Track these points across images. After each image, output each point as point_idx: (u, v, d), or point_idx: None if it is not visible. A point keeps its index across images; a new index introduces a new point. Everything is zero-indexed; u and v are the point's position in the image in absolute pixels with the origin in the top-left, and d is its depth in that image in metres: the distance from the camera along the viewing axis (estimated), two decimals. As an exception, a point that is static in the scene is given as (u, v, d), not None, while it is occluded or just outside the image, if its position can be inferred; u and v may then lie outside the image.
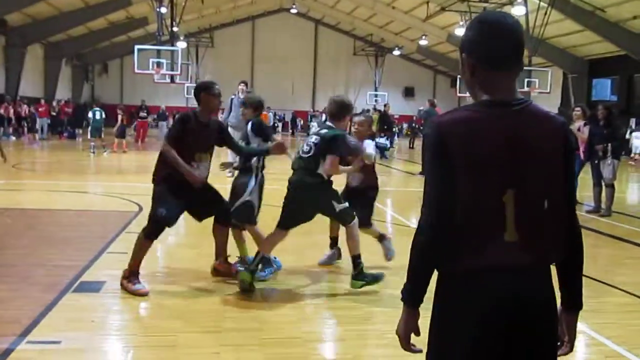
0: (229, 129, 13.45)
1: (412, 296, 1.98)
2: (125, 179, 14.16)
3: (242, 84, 14.01)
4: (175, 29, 28.70)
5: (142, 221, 8.37)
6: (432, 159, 1.92)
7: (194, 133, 5.43)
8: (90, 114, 21.19)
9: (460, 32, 30.27)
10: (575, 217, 2.00)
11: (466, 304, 1.86)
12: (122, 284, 5.31)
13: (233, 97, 13.64)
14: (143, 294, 5.20)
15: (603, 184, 10.39)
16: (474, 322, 1.84)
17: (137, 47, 26.51)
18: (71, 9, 31.19)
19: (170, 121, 36.68)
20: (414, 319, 2.00)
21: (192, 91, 5.69)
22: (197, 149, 5.49)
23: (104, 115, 20.48)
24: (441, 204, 1.88)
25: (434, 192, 1.90)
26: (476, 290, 1.84)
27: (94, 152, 19.21)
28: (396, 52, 44.93)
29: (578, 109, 10.95)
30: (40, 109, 28.64)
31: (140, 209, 9.28)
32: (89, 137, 20.74)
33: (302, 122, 38.57)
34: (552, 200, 1.89)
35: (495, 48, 1.88)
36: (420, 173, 16.24)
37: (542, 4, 25.27)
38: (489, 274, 1.84)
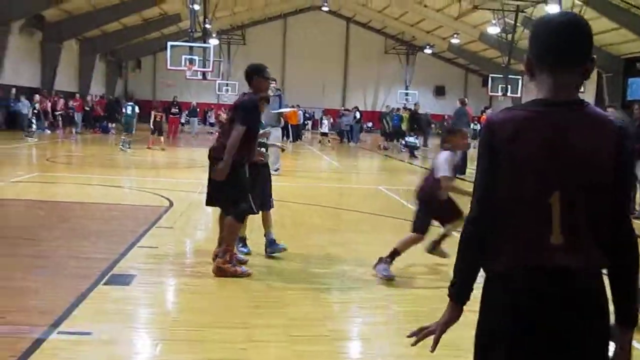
0: None
1: (455, 291, 1.99)
2: (156, 174, 14.34)
3: (273, 82, 14.04)
4: (207, 26, 28.95)
5: (173, 216, 8.50)
6: (480, 155, 1.95)
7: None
8: (124, 109, 21.37)
9: (492, 30, 30.00)
10: (629, 223, 1.91)
11: (509, 304, 1.85)
12: (223, 270, 5.51)
13: None
14: (249, 275, 5.60)
15: (638, 185, 10.20)
16: (517, 323, 1.83)
17: (170, 43, 26.78)
18: (106, 6, 31.66)
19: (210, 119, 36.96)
20: (455, 315, 1.99)
21: (244, 73, 5.90)
22: (258, 130, 5.91)
23: (137, 110, 20.57)
24: (485, 199, 1.91)
25: (479, 188, 1.95)
26: (520, 291, 1.83)
27: (124, 147, 19.37)
28: (427, 51, 44.67)
29: (611, 109, 10.76)
30: (74, 104, 29.12)
31: (171, 204, 9.39)
32: (121, 131, 20.88)
33: (331, 120, 38.77)
34: (602, 205, 1.84)
35: (548, 45, 1.87)
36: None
37: (576, 1, 24.87)
38: (533, 275, 1.82)
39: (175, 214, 8.75)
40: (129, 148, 19.33)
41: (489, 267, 1.92)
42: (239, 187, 5.58)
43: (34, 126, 23.68)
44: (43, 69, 32.16)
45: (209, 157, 5.78)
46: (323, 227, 8.56)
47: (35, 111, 24.74)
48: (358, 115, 31.62)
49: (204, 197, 6.04)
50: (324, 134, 31.10)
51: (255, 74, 5.77)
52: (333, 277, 5.89)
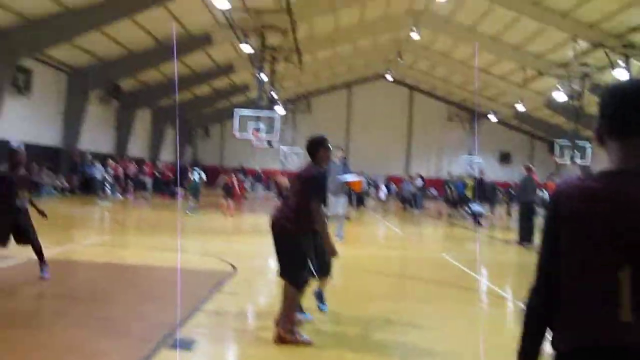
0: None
1: (519, 357, 1.98)
2: (221, 239, 14.55)
3: (340, 150, 14.27)
4: (274, 95, 29.76)
5: (236, 282, 8.58)
6: (545, 225, 1.94)
7: None
8: (191, 175, 21.89)
9: (558, 96, 29.68)
10: None
11: None
12: (284, 338, 5.55)
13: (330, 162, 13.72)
14: (310, 344, 5.58)
15: None
16: None
17: (237, 111, 27.54)
18: (179, 76, 33.13)
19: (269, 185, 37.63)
20: None
21: (306, 146, 6.02)
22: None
23: (203, 177, 21.03)
24: (548, 271, 1.89)
25: (542, 257, 1.93)
26: None
27: (191, 213, 19.81)
28: (492, 117, 44.46)
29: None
30: (145, 169, 30.23)
31: (234, 269, 9.49)
32: (189, 197, 21.28)
33: (395, 187, 38.78)
34: None
35: (617, 112, 1.84)
36: (517, 241, 15.74)
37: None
38: (600, 356, 1.73)
39: (239, 279, 8.84)
40: (195, 213, 19.78)
41: (554, 345, 1.85)
42: (301, 256, 5.66)
43: (108, 190, 24.59)
44: (117, 136, 33.73)
45: (272, 227, 5.83)
46: (386, 296, 8.45)
47: (110, 176, 25.76)
48: (421, 182, 31.49)
49: (266, 263, 6.10)
50: (382, 201, 31.20)
51: (320, 146, 5.95)
52: (396, 347, 5.78)
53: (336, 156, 13.82)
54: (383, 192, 32.35)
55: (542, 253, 1.94)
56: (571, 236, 1.80)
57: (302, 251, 5.66)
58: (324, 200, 5.87)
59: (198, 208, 20.38)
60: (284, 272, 5.77)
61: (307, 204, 5.66)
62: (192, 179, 21.05)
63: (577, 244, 1.80)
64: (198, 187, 20.57)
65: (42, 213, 8.06)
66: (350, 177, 13.73)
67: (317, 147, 5.94)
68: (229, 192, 20.52)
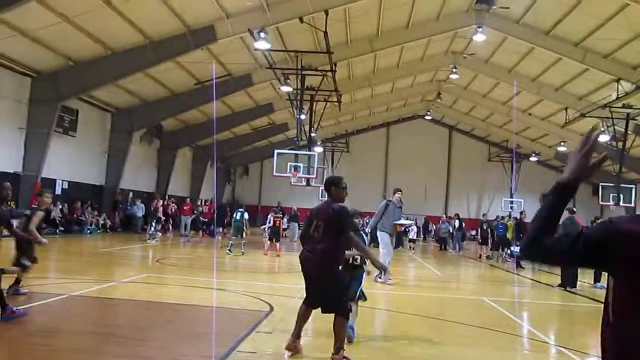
0: (380, 233, 13.77)
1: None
2: (258, 278, 14.54)
3: (399, 192, 14.31)
4: (313, 134, 29.93)
5: (273, 321, 8.52)
6: (586, 235, 1.88)
7: None
8: (234, 214, 21.92)
9: (601, 138, 29.17)
10: None
11: None
12: None
13: (389, 202, 13.78)
14: None
15: None
16: None
17: (276, 151, 27.79)
18: (219, 116, 33.73)
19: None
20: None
21: (324, 185, 6.71)
22: None
23: (246, 216, 21.04)
24: (568, 254, 1.91)
25: (564, 244, 1.91)
26: None
27: (230, 252, 19.88)
28: (533, 159, 43.92)
29: None
30: (185, 207, 30.59)
31: (271, 308, 9.44)
32: (231, 235, 21.25)
33: (434, 227, 38.40)
34: None
35: None
36: (559, 285, 15.33)
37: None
38: None
39: (275, 318, 8.78)
40: (235, 252, 19.85)
41: None
42: (341, 285, 6.15)
43: (152, 229, 24.93)
44: (159, 175, 34.32)
45: (307, 263, 6.17)
46: (425, 338, 8.28)
47: (156, 215, 26.14)
48: (458, 222, 31.17)
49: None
50: (412, 240, 31.21)
51: (332, 185, 6.51)
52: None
53: (396, 198, 13.93)
54: (413, 230, 32.15)
55: (562, 242, 1.92)
56: (618, 270, 1.75)
57: (341, 280, 6.17)
58: (354, 228, 6.44)
59: (241, 246, 20.40)
60: (331, 304, 6.06)
61: (336, 237, 6.06)
62: (234, 217, 21.11)
63: (626, 280, 1.76)
64: (241, 226, 20.56)
65: (38, 242, 8.12)
66: (403, 221, 14.11)
67: (330, 186, 6.52)
68: (276, 232, 20.41)
